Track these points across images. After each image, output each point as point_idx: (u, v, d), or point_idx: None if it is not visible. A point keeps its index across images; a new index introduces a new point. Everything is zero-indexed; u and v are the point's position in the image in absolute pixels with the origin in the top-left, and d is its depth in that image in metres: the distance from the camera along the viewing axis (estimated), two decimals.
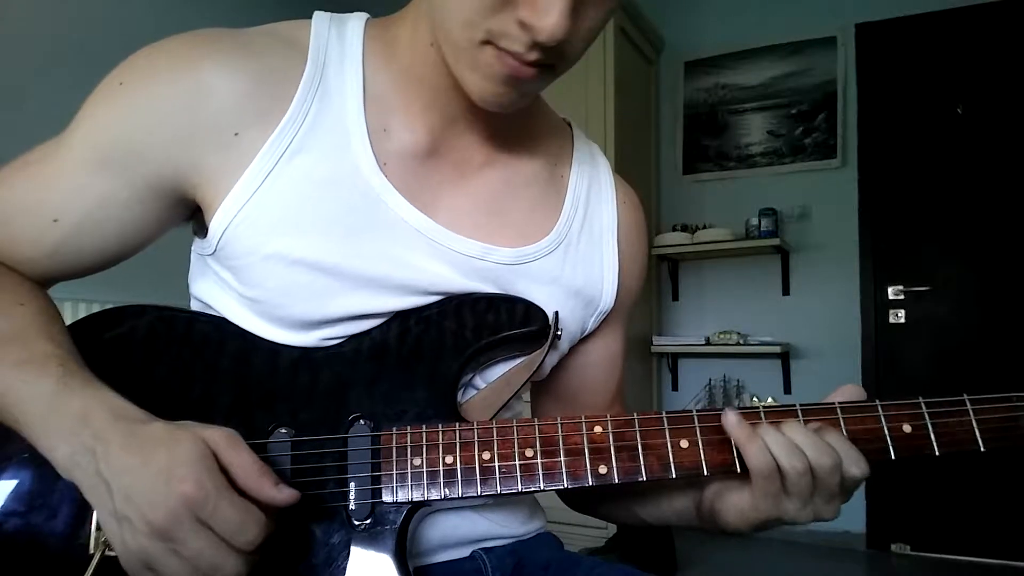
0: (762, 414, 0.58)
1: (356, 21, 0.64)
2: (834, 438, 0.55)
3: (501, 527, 0.69)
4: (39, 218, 0.59)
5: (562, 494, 0.68)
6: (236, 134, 0.57)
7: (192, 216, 0.64)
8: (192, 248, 0.67)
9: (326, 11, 0.65)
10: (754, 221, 3.36)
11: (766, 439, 0.55)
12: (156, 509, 0.45)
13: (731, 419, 0.56)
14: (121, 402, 0.52)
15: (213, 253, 0.61)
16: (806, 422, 0.57)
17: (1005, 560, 2.95)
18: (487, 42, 0.52)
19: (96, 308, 0.65)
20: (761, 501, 0.56)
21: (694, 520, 0.65)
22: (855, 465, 0.55)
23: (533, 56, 0.52)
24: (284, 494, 0.50)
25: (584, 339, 0.74)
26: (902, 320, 3.25)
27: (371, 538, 0.56)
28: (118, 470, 0.47)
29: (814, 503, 0.56)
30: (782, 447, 0.54)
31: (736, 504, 0.58)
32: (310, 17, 0.64)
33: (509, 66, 0.53)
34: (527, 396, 0.80)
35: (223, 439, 0.49)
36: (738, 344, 3.36)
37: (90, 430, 0.49)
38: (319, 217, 0.59)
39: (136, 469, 0.47)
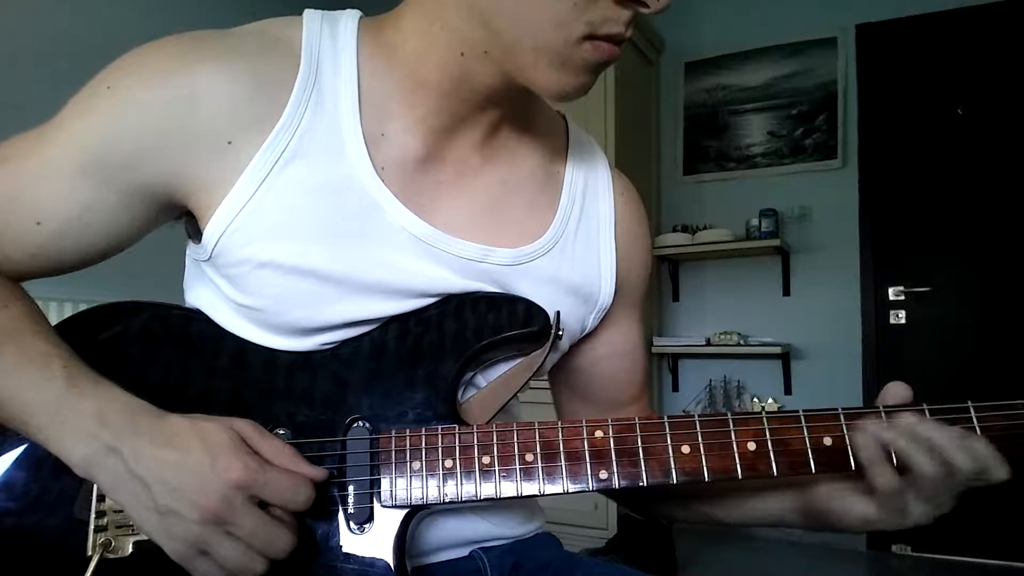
0: (765, 419, 0.56)
1: (348, 20, 0.63)
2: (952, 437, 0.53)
3: (499, 527, 0.69)
4: (20, 219, 0.58)
5: (613, 494, 0.66)
6: (229, 142, 0.56)
7: (182, 217, 0.63)
8: (186, 252, 0.67)
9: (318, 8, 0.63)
10: (754, 222, 3.36)
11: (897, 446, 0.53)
12: (208, 496, 0.47)
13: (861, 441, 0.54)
14: (132, 399, 0.52)
15: (208, 260, 0.60)
16: (808, 429, 0.56)
17: (1005, 561, 2.95)
18: (586, 37, 0.53)
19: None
20: (888, 515, 0.55)
21: (793, 522, 0.63)
22: (998, 469, 0.53)
23: (630, 31, 0.54)
24: (319, 470, 0.53)
25: (602, 331, 0.74)
26: (903, 321, 3.25)
27: (370, 541, 0.56)
28: (154, 466, 0.48)
29: (939, 501, 0.55)
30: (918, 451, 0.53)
31: (860, 513, 0.57)
32: (300, 13, 0.62)
33: (606, 52, 0.55)
34: (523, 395, 0.79)
35: (249, 427, 0.52)
36: (738, 345, 3.35)
37: (109, 430, 0.49)
38: (315, 224, 0.58)
39: (176, 462, 0.48)
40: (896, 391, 0.58)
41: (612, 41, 0.54)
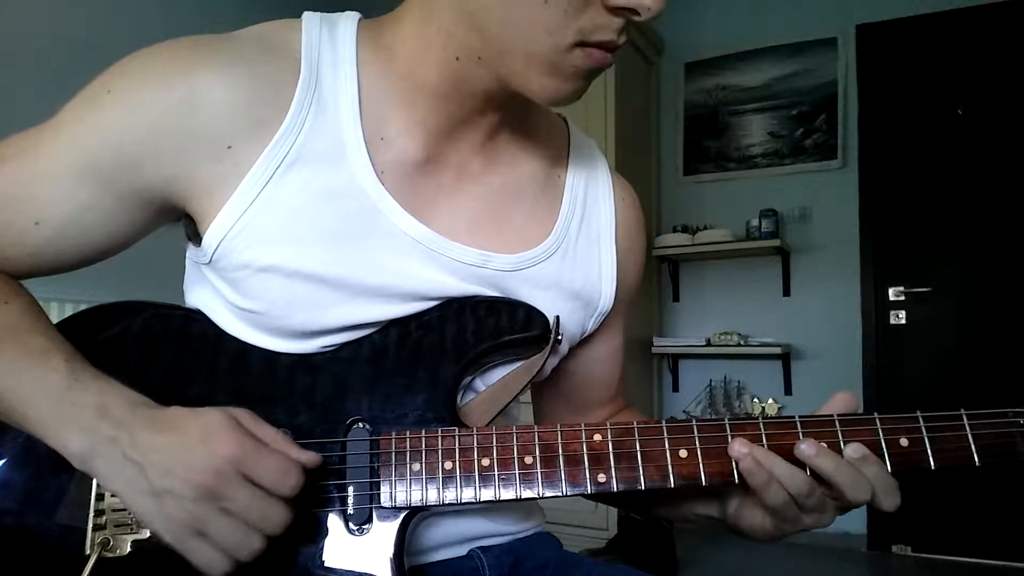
0: (761, 425, 0.57)
1: (347, 22, 0.63)
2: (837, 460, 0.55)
3: (498, 524, 0.69)
4: (20, 218, 0.58)
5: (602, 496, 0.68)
6: (229, 146, 0.56)
7: (182, 219, 0.63)
8: (186, 254, 0.67)
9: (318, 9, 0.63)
10: (755, 222, 3.36)
11: (775, 472, 0.54)
12: (201, 472, 0.47)
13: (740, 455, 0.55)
14: (133, 393, 0.52)
15: (208, 263, 0.60)
16: (804, 435, 0.57)
17: (1005, 561, 2.95)
18: (577, 44, 0.53)
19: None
20: (780, 523, 0.57)
21: (720, 527, 0.65)
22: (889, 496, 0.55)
23: (623, 39, 0.54)
24: (311, 456, 0.53)
25: (586, 338, 0.74)
26: (903, 321, 3.24)
27: (369, 542, 0.56)
28: (150, 449, 0.49)
29: (831, 511, 0.57)
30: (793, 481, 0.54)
31: (758, 525, 0.59)
32: (299, 16, 0.62)
33: (597, 60, 0.54)
34: (523, 397, 0.80)
35: (244, 413, 0.52)
36: (739, 345, 3.36)
37: (109, 421, 0.50)
38: (317, 228, 0.58)
39: (170, 443, 0.49)
40: (838, 403, 0.59)
41: (604, 48, 0.54)
